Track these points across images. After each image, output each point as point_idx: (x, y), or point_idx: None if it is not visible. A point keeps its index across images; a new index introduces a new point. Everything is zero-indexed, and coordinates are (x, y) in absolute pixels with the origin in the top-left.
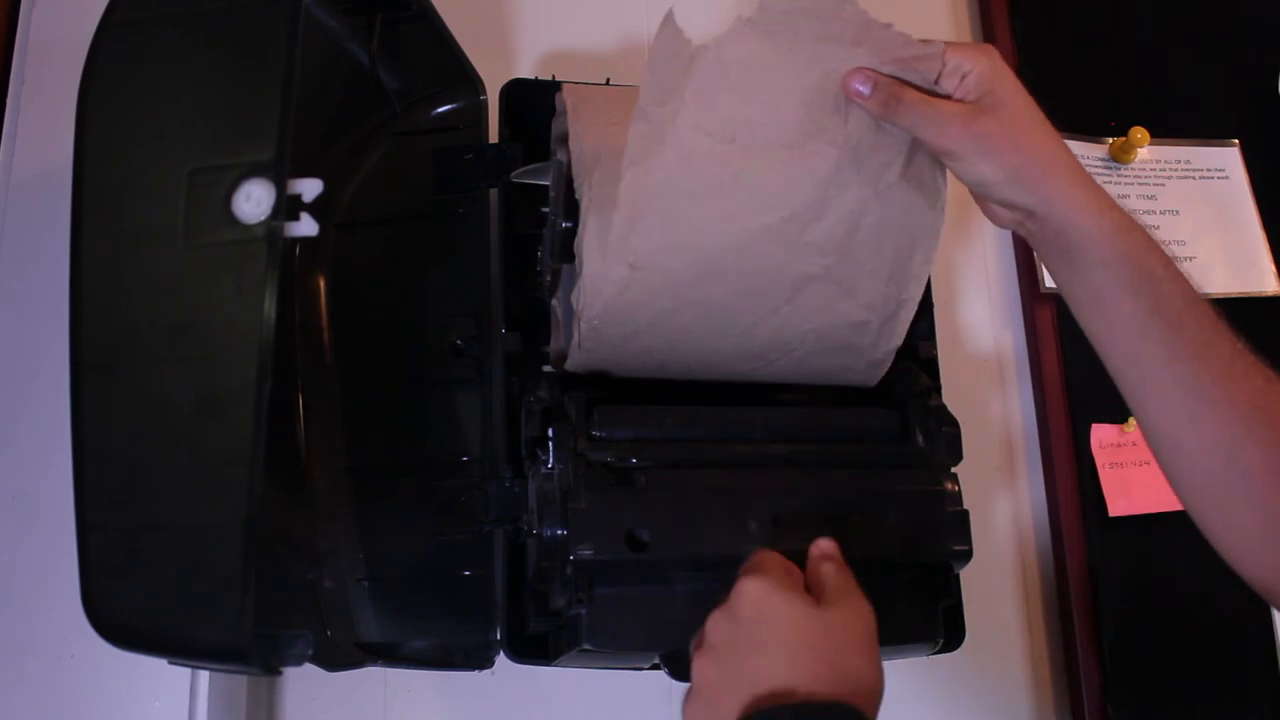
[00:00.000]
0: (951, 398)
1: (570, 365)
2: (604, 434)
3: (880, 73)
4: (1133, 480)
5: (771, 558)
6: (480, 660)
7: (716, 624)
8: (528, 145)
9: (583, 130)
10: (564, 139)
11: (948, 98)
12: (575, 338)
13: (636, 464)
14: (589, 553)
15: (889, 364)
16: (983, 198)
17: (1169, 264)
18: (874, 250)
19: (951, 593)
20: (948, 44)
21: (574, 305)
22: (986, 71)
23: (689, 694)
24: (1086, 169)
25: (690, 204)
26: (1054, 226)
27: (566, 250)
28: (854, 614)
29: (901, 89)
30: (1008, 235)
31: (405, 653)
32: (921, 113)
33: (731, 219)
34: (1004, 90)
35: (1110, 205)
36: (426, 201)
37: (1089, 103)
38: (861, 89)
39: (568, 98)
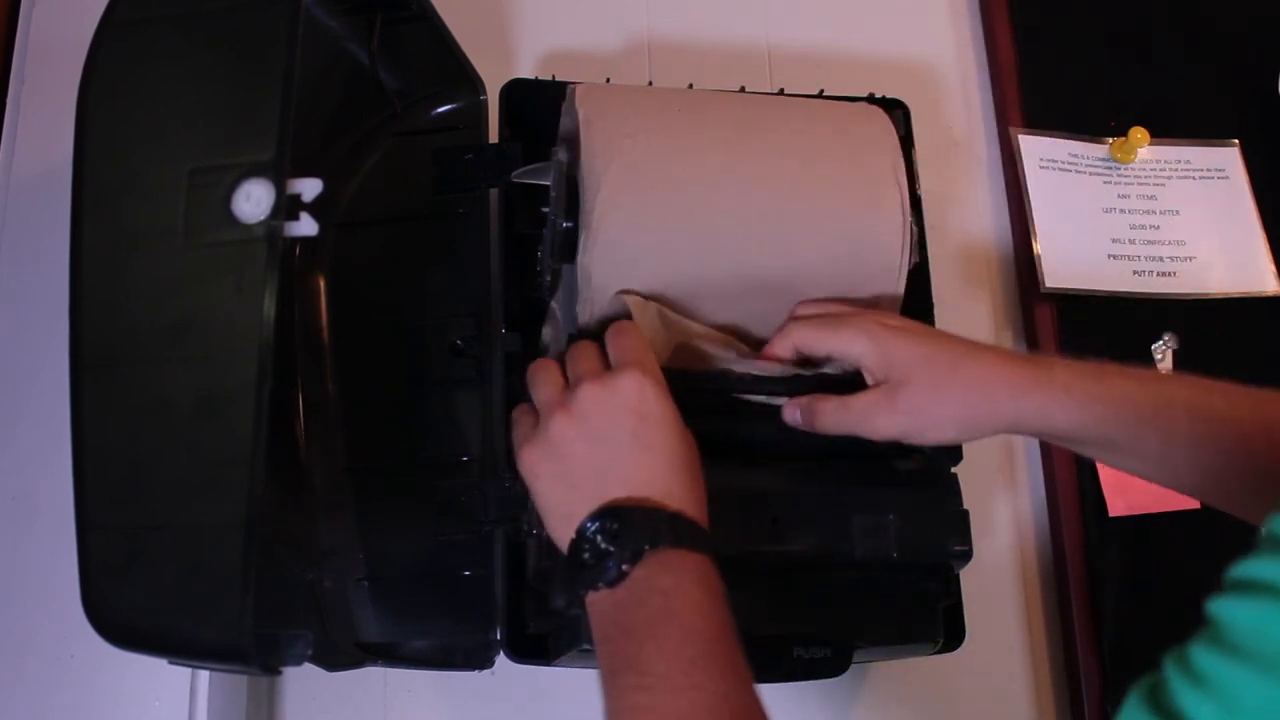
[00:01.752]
0: None
1: None
2: None
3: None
4: (1133, 480)
5: (641, 345)
6: (480, 660)
7: (590, 398)
8: (528, 145)
9: (595, 146)
10: (568, 138)
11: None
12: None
13: None
14: None
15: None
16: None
17: (1157, 392)
18: None
19: (951, 593)
20: (827, 331)
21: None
22: (869, 351)
23: (535, 457)
24: (1087, 170)
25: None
26: (1033, 431)
27: (567, 250)
28: (673, 421)
29: (816, 404)
30: (1008, 235)
31: (405, 653)
32: (844, 419)
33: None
34: (896, 356)
35: (1074, 379)
36: (426, 201)
37: (1089, 103)
38: (793, 417)
39: (580, 105)
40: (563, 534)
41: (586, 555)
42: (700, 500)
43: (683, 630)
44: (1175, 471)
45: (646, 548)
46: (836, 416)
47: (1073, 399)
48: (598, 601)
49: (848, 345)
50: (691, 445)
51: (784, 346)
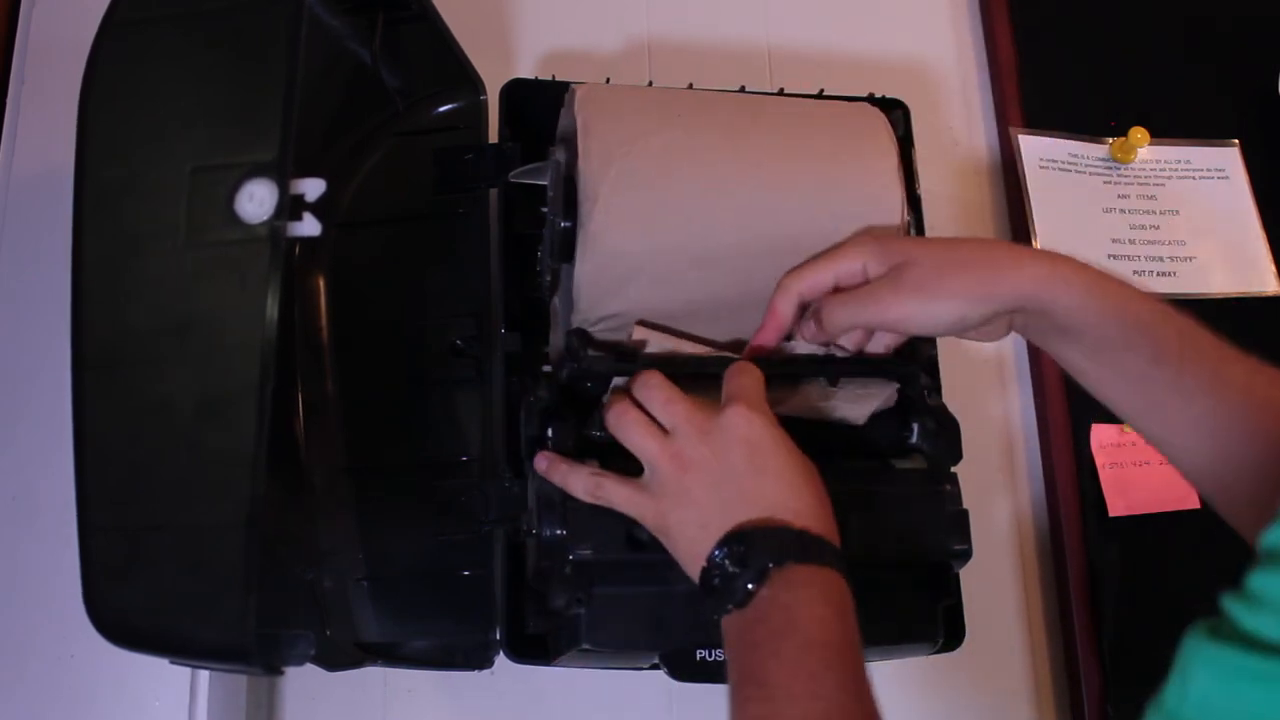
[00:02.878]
0: (951, 398)
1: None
2: (604, 434)
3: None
4: (1132, 480)
5: (753, 383)
6: (480, 660)
7: (697, 441)
8: (528, 145)
9: (593, 149)
10: (567, 137)
11: None
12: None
13: None
14: (589, 553)
15: None
16: (967, 331)
17: (1153, 306)
18: None
19: (951, 593)
20: (824, 258)
21: (572, 301)
22: (872, 246)
23: (661, 511)
24: (1087, 170)
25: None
26: (1036, 312)
27: (566, 250)
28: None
29: (823, 302)
30: (1008, 236)
31: (405, 653)
32: (853, 308)
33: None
34: (897, 245)
35: (1076, 269)
36: (426, 201)
37: (1089, 103)
38: (810, 332)
39: (579, 110)
40: (696, 570)
41: (716, 581)
42: (826, 516)
43: (802, 642)
44: (1155, 402)
45: (771, 566)
46: (846, 307)
47: (1076, 280)
48: (729, 623)
49: (851, 255)
50: (809, 465)
51: (786, 303)
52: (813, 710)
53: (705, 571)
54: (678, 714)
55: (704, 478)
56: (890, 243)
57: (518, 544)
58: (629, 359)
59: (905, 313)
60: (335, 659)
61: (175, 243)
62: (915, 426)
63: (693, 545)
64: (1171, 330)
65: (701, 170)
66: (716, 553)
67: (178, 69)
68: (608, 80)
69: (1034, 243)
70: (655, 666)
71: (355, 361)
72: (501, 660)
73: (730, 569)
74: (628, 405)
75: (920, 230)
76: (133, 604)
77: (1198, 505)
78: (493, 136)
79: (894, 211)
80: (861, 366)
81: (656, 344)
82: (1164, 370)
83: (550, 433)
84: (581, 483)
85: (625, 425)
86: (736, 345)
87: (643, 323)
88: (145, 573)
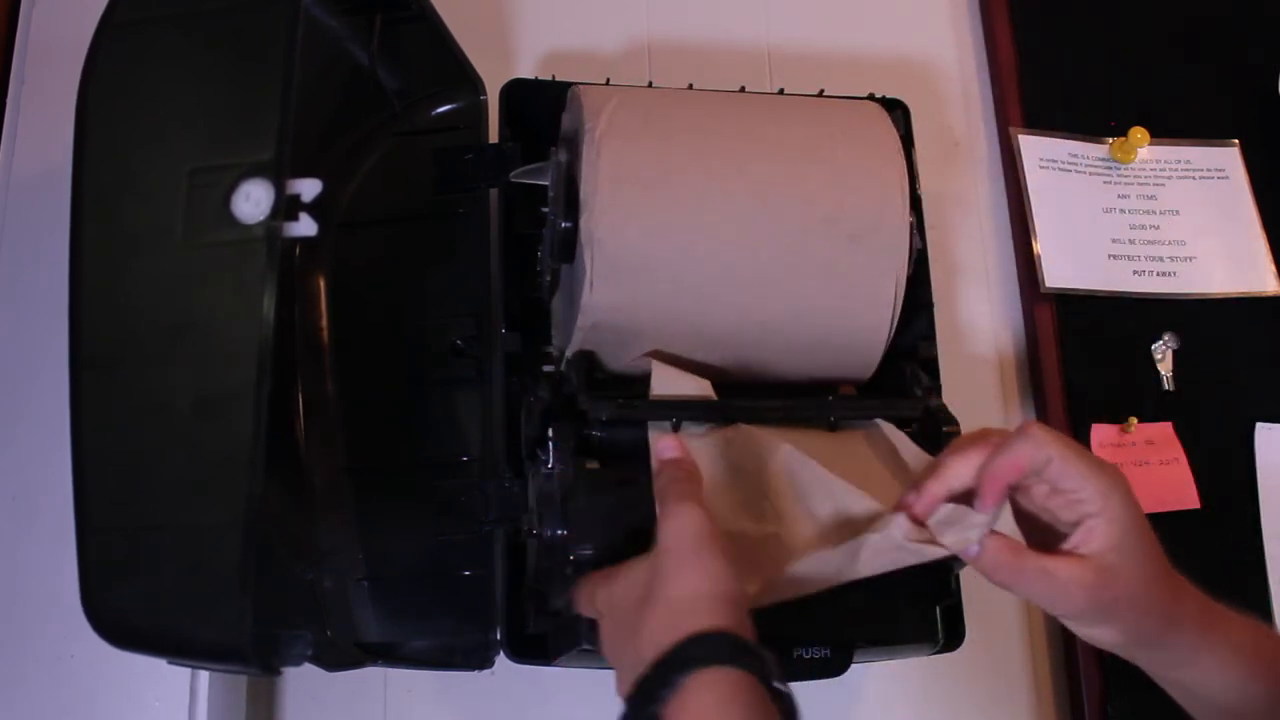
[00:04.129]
0: (951, 398)
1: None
2: (604, 434)
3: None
4: (1133, 480)
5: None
6: (480, 660)
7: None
8: (528, 145)
9: (595, 148)
10: (569, 138)
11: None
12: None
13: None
14: (589, 553)
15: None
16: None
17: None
18: None
19: (951, 593)
20: (1066, 460)
21: (573, 301)
22: (1123, 515)
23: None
24: (1087, 170)
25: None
26: (1165, 658)
27: (566, 250)
28: (673, 533)
29: (1016, 557)
30: (1008, 235)
31: (405, 653)
32: (1039, 587)
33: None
34: (1136, 534)
35: (1221, 622)
36: (426, 201)
37: (1089, 103)
38: (972, 550)
39: (581, 108)
40: None
41: None
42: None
43: None
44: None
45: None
46: (1035, 582)
47: (1222, 646)
48: None
49: (1111, 498)
50: (636, 578)
51: (1019, 463)
52: None
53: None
54: None
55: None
56: (1132, 514)
57: (518, 544)
58: (630, 405)
59: (1075, 617)
60: (335, 659)
61: (172, 243)
62: (915, 427)
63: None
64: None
65: (704, 170)
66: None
67: (176, 69)
68: (608, 80)
69: (1034, 243)
70: None
71: (355, 361)
72: (501, 660)
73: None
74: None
75: (921, 230)
76: (131, 604)
77: (1198, 505)
78: (493, 136)
79: (899, 211)
80: (859, 408)
81: (661, 380)
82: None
83: (550, 433)
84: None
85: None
86: (741, 368)
87: (655, 353)
88: (144, 573)
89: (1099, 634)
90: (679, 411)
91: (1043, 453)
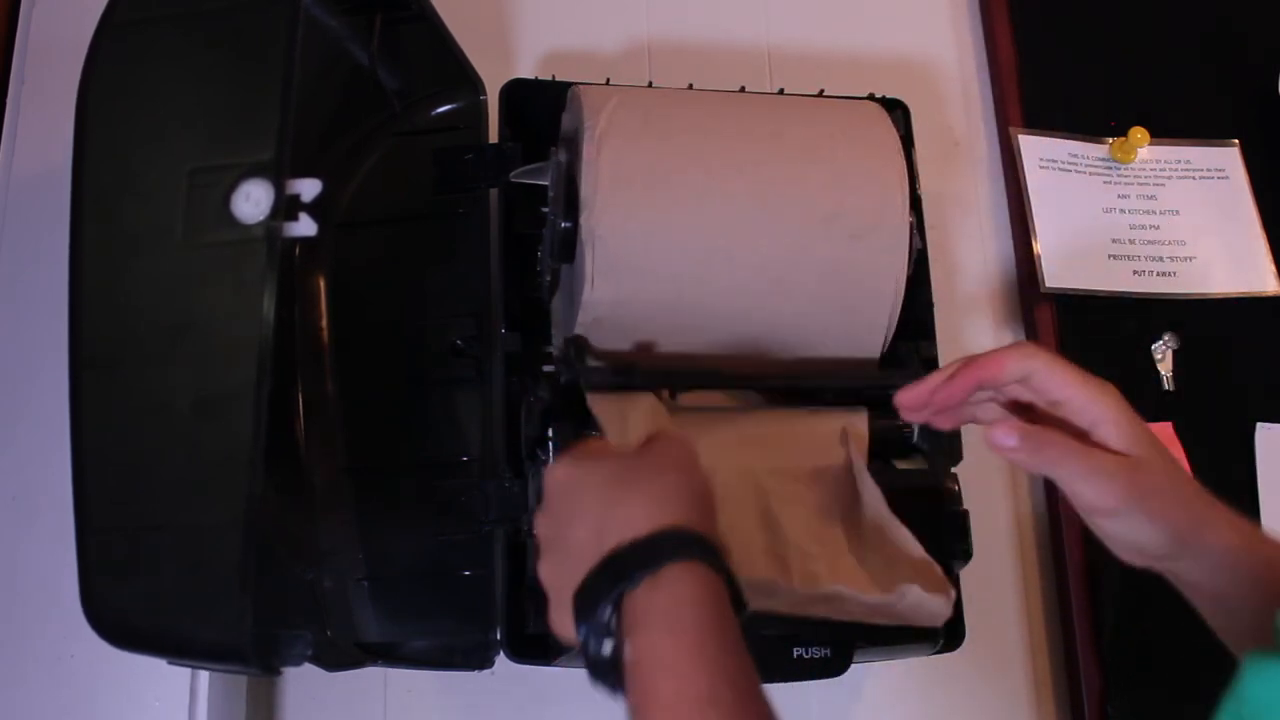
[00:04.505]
0: None
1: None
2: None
3: (1022, 423)
4: None
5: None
6: (480, 660)
7: (538, 525)
8: (528, 145)
9: (595, 148)
10: (569, 138)
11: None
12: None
13: None
14: None
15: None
16: (1122, 546)
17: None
18: None
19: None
20: (1052, 369)
21: (573, 301)
22: (1124, 418)
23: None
24: (1087, 170)
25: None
26: (1198, 565)
27: (566, 250)
28: (663, 444)
29: (1049, 437)
30: (1008, 235)
31: (405, 653)
32: (1076, 468)
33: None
34: (1148, 437)
35: (1245, 529)
36: (426, 201)
37: (1089, 103)
38: (1006, 441)
39: (582, 108)
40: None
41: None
42: (659, 492)
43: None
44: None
45: (610, 615)
46: (1073, 463)
47: (1245, 548)
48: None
49: (1098, 395)
50: (620, 461)
51: (1003, 363)
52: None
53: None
54: None
55: (546, 560)
56: (1138, 422)
57: (518, 544)
58: (626, 372)
59: (1120, 508)
60: (335, 659)
61: (172, 243)
62: (916, 427)
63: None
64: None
65: (704, 169)
66: (582, 630)
67: (175, 69)
68: (608, 80)
69: (1034, 243)
70: None
71: (355, 361)
72: (501, 660)
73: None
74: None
75: (921, 230)
76: (131, 604)
77: None
78: (493, 136)
79: (899, 210)
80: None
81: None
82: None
83: (550, 433)
84: None
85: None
86: (737, 354)
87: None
88: (143, 573)
89: (1137, 532)
90: (675, 380)
91: (1027, 363)
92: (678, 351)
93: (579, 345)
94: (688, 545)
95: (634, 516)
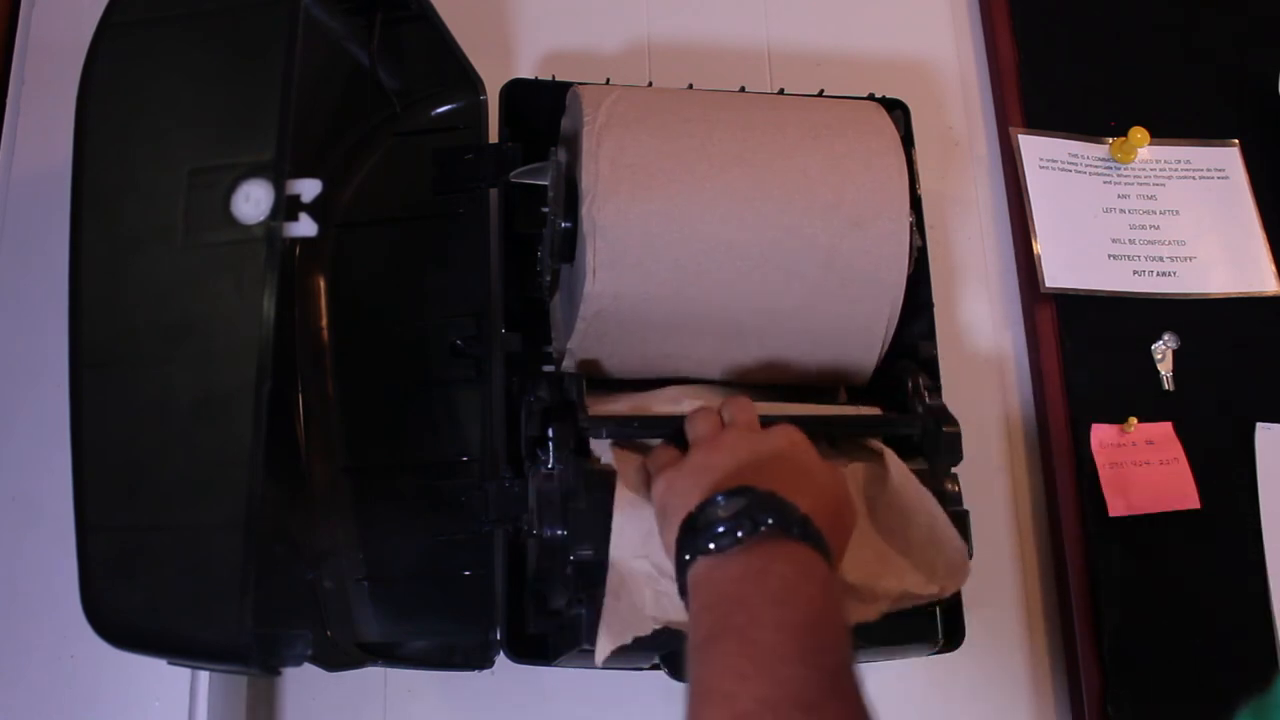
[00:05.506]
0: (951, 398)
1: (568, 362)
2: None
3: None
4: (1133, 480)
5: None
6: (480, 660)
7: (740, 434)
8: (528, 145)
9: (595, 148)
10: (569, 138)
11: None
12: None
13: None
14: (589, 553)
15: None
16: None
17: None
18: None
19: None
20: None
21: (573, 301)
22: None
23: (670, 478)
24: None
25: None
26: None
27: (566, 250)
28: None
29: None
30: (1008, 235)
31: (405, 653)
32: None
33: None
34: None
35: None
36: (426, 201)
37: (1089, 103)
38: None
39: (582, 108)
40: (682, 516)
41: (698, 521)
42: (840, 527)
43: (787, 615)
44: None
45: (768, 525)
46: None
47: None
48: (699, 574)
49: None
50: (842, 483)
51: None
52: (796, 677)
53: (691, 515)
54: (678, 714)
55: (730, 454)
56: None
57: (518, 544)
58: (629, 423)
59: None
60: (335, 659)
61: (172, 243)
62: (915, 427)
63: (687, 495)
64: None
65: (704, 159)
66: (718, 497)
67: (175, 70)
68: (608, 80)
69: (1034, 243)
70: (655, 666)
71: (355, 361)
72: (501, 660)
73: (722, 514)
74: (711, 409)
75: (921, 229)
76: (131, 605)
77: (1198, 505)
78: (493, 136)
79: (899, 197)
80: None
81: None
82: None
83: (550, 433)
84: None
85: (695, 418)
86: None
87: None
88: (143, 573)
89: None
90: (676, 425)
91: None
92: (678, 345)
93: (577, 380)
94: (813, 530)
95: (823, 506)
